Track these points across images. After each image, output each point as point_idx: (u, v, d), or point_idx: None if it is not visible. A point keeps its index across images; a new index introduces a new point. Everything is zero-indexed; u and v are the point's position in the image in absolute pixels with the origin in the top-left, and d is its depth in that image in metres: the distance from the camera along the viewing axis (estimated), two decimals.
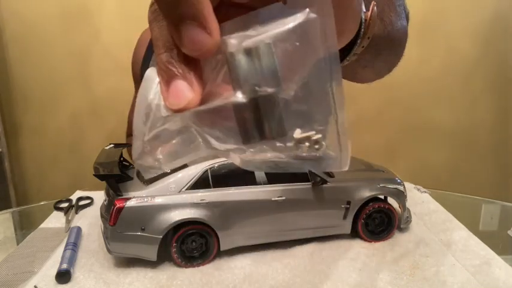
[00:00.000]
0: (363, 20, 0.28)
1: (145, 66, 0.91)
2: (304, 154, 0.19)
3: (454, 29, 1.39)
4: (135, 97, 0.99)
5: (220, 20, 0.18)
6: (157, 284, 0.48)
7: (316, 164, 0.19)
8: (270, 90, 0.18)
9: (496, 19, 1.39)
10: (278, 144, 0.19)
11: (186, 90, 0.18)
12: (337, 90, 0.18)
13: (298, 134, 0.19)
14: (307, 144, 0.19)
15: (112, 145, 0.62)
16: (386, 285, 0.47)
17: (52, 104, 1.50)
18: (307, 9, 0.17)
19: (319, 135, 0.19)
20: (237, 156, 0.20)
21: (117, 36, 1.42)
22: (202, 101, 0.18)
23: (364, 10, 0.29)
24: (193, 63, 0.18)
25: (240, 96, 0.18)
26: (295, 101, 0.18)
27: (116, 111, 1.40)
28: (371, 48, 0.31)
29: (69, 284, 0.48)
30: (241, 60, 0.18)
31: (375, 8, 0.28)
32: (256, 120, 0.18)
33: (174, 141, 0.20)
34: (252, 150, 0.19)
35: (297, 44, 0.17)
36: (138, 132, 0.20)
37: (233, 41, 0.18)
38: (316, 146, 0.19)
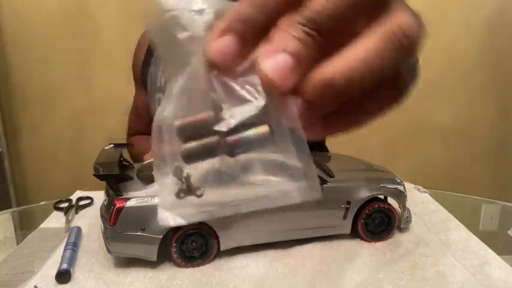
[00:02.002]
0: None
1: (145, 67, 0.91)
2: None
3: (454, 28, 1.39)
4: (135, 97, 1.00)
5: None
6: (157, 284, 0.48)
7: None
8: None
9: (496, 19, 1.39)
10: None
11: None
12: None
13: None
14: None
15: (112, 145, 0.62)
16: (387, 285, 0.47)
17: (52, 104, 1.50)
18: None
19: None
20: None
21: (117, 36, 1.43)
22: None
23: None
24: None
25: None
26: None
27: (116, 111, 1.40)
28: None
29: (69, 284, 0.48)
30: None
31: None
32: None
33: None
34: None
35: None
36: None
37: None
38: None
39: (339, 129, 0.20)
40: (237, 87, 0.18)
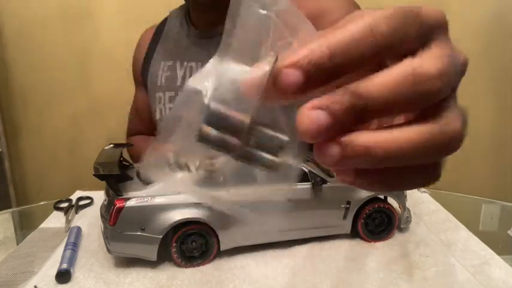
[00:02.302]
0: None
1: (145, 66, 0.91)
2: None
3: (455, 29, 1.39)
4: (135, 97, 1.00)
5: None
6: (157, 284, 0.48)
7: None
8: None
9: (497, 19, 1.39)
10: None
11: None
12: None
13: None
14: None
15: (112, 145, 0.62)
16: (387, 285, 0.47)
17: (52, 104, 1.50)
18: None
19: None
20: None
21: (117, 36, 1.43)
22: None
23: None
24: None
25: None
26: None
27: (116, 111, 1.40)
28: None
29: (69, 284, 0.48)
30: None
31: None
32: None
33: None
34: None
35: None
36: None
37: None
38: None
39: (366, 186, 0.20)
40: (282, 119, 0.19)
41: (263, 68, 0.17)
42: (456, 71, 0.18)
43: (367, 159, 0.17)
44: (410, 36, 0.18)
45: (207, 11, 0.84)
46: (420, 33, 0.18)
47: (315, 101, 0.17)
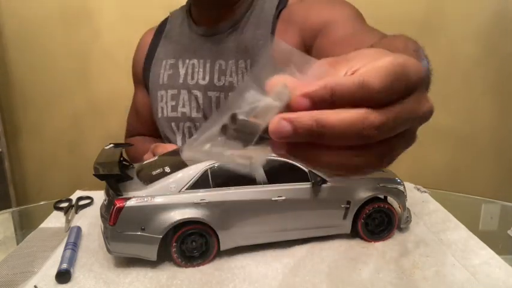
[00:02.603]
0: None
1: (147, 66, 0.91)
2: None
3: (455, 30, 1.39)
4: (134, 99, 1.00)
5: None
6: (157, 284, 0.48)
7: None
8: None
9: (497, 20, 1.39)
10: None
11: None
12: None
13: None
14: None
15: (112, 145, 0.62)
16: (387, 285, 0.47)
17: (52, 104, 1.50)
18: None
19: None
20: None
21: (117, 36, 1.42)
22: None
23: None
24: None
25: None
26: None
27: (116, 111, 1.40)
28: None
29: (69, 284, 0.48)
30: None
31: None
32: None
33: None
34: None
35: None
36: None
37: None
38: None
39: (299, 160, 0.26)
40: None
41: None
42: (409, 120, 0.25)
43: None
44: (399, 93, 0.23)
45: (209, 9, 0.84)
46: (407, 89, 0.24)
47: (287, 114, 0.23)
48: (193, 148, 0.26)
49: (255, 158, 0.26)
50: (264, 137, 0.25)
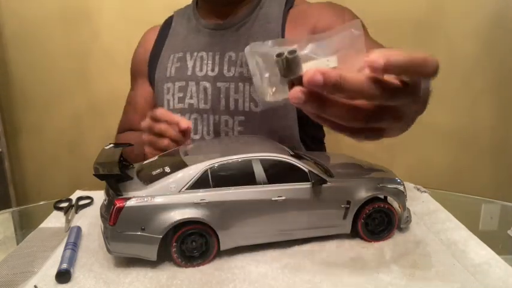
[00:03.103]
0: None
1: (152, 63, 0.91)
2: None
3: (455, 29, 1.39)
4: (133, 94, 0.99)
5: None
6: (157, 284, 0.48)
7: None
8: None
9: (497, 19, 1.39)
10: None
11: None
12: None
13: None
14: None
15: (112, 145, 0.62)
16: (387, 285, 0.47)
17: (52, 104, 1.50)
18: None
19: None
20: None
21: (117, 36, 1.43)
22: None
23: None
24: None
25: None
26: None
27: (116, 111, 1.39)
28: None
29: (69, 284, 0.48)
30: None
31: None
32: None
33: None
34: None
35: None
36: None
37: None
38: None
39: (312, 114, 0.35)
40: None
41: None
42: (405, 102, 0.36)
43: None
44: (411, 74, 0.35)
45: (219, 5, 0.85)
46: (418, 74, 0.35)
47: (322, 69, 0.31)
48: (256, 45, 0.34)
49: (276, 91, 0.34)
50: (293, 82, 0.32)
